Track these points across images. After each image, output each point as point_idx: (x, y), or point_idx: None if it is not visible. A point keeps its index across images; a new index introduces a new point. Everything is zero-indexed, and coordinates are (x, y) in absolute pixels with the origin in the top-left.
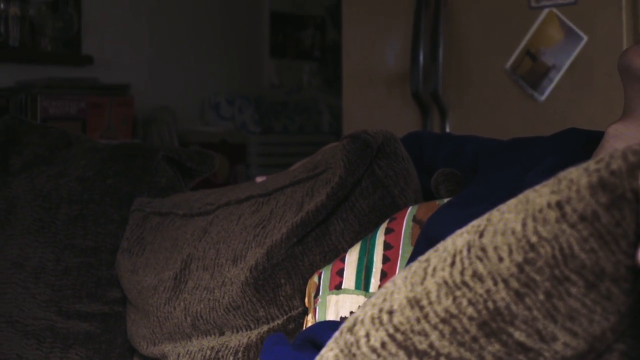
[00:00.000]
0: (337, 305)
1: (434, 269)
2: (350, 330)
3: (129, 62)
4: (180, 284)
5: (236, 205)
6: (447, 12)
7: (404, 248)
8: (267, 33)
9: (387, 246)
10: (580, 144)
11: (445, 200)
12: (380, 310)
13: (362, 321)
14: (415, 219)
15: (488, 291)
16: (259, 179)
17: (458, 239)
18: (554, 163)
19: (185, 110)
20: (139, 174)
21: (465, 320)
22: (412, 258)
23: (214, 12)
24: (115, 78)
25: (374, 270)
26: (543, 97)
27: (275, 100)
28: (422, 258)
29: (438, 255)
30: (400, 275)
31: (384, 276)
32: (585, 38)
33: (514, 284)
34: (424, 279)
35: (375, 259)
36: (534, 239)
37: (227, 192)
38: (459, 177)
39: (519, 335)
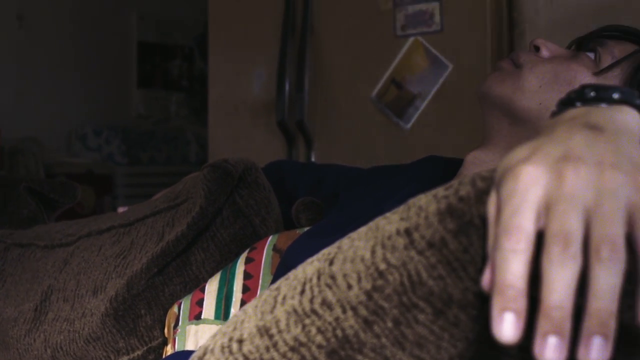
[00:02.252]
0: (196, 336)
1: (284, 297)
2: (201, 359)
3: None
4: (40, 315)
5: (97, 236)
6: (313, 41)
7: (264, 277)
8: (135, 63)
9: (247, 275)
10: (440, 172)
11: (306, 229)
12: (230, 339)
13: (212, 350)
14: (275, 248)
15: (337, 319)
16: (121, 210)
17: (308, 267)
18: (413, 191)
19: (52, 141)
20: (0, 205)
21: (314, 349)
22: None
23: (82, 42)
24: None
25: (233, 300)
26: (409, 125)
27: (142, 130)
28: (273, 286)
29: (288, 283)
30: (251, 303)
31: (244, 306)
32: (450, 66)
33: (363, 311)
34: (274, 307)
35: (235, 289)
36: (382, 266)
37: (88, 222)
38: (320, 206)
39: None
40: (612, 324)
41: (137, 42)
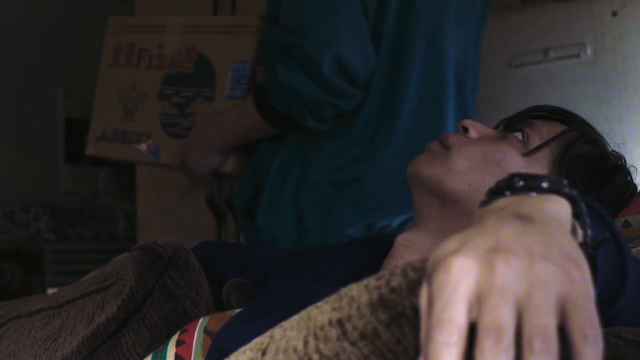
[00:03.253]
0: None
1: None
2: None
3: None
4: None
5: (27, 318)
6: None
7: None
8: (62, 139)
9: (178, 358)
10: (370, 253)
11: (237, 310)
12: None
13: None
14: (206, 330)
15: None
16: (50, 291)
17: (241, 357)
18: (344, 273)
19: None
20: None
21: None
22: None
23: (8, 118)
24: None
25: None
26: None
27: (70, 207)
28: None
29: None
30: None
31: None
32: None
33: None
34: None
35: None
36: (315, 357)
37: (18, 304)
38: (250, 288)
39: None
40: None
41: (64, 118)
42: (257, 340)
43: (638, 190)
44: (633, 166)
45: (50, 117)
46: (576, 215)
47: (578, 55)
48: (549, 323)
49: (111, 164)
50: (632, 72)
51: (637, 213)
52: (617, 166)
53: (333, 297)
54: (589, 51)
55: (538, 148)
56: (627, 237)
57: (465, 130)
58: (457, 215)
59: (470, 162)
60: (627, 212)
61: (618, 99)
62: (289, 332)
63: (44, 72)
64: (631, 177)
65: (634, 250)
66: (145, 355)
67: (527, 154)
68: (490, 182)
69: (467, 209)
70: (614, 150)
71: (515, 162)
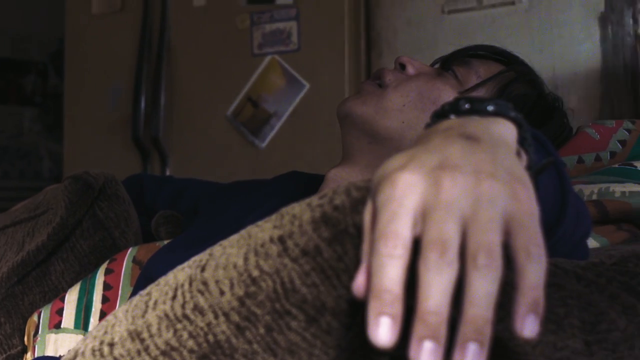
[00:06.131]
0: (56, 344)
1: (155, 302)
2: None
3: None
4: None
5: None
6: (170, 57)
7: (124, 289)
8: None
9: (106, 286)
10: (301, 188)
11: (165, 242)
12: (102, 343)
13: (83, 353)
14: (135, 260)
15: (209, 324)
16: None
17: (180, 273)
18: (274, 206)
19: None
20: None
21: (185, 353)
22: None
23: None
24: None
25: (93, 310)
26: (264, 144)
27: None
28: (144, 292)
29: (159, 289)
30: (121, 308)
31: (103, 316)
32: (307, 85)
33: (235, 317)
34: (145, 312)
35: (94, 299)
36: (255, 273)
37: None
38: (179, 220)
39: None
40: (487, 331)
41: None
42: (196, 257)
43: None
44: (571, 109)
45: None
46: (521, 139)
47: (512, 3)
48: (494, 239)
49: (37, 104)
50: (567, 21)
51: (573, 154)
52: (555, 108)
53: (274, 216)
54: None
55: (475, 87)
56: None
57: (402, 67)
58: (389, 152)
59: (406, 100)
60: (563, 152)
61: (552, 49)
62: (229, 250)
63: None
64: (567, 120)
65: None
66: (73, 283)
67: (464, 92)
68: (424, 120)
69: (400, 146)
70: (552, 92)
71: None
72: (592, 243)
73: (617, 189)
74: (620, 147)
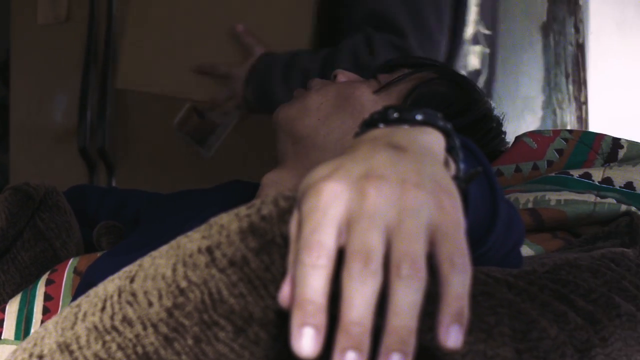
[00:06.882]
0: None
1: (85, 314)
2: None
3: None
4: None
5: None
6: (115, 68)
7: (65, 299)
8: None
9: (47, 297)
10: (241, 195)
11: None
12: (30, 355)
13: None
14: (76, 271)
15: (137, 336)
16: None
17: (109, 285)
18: (213, 214)
19: None
20: None
21: None
22: None
23: None
24: None
25: (34, 321)
26: (210, 154)
27: None
28: (74, 304)
29: (89, 300)
30: (52, 320)
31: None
32: None
33: (163, 328)
34: (74, 323)
35: (35, 310)
36: (183, 284)
37: None
38: (121, 230)
39: None
40: (411, 342)
41: None
42: (126, 269)
43: (506, 139)
44: (504, 112)
45: None
46: (449, 148)
47: None
48: (418, 250)
49: None
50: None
51: (510, 163)
52: (484, 111)
53: (203, 226)
54: None
55: (386, 86)
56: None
57: (335, 78)
58: (307, 151)
59: (324, 99)
60: (501, 161)
61: None
62: (158, 260)
63: None
64: (499, 125)
65: None
66: (14, 295)
67: (378, 91)
68: (339, 117)
69: (315, 143)
70: (484, 99)
71: (364, 98)
72: (527, 251)
73: (553, 197)
74: (558, 156)
